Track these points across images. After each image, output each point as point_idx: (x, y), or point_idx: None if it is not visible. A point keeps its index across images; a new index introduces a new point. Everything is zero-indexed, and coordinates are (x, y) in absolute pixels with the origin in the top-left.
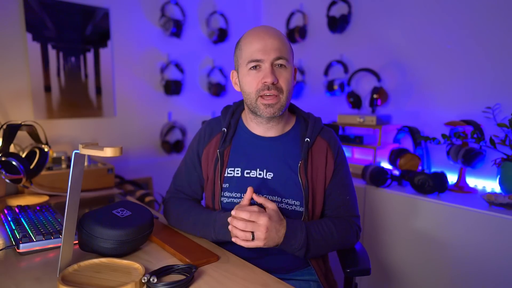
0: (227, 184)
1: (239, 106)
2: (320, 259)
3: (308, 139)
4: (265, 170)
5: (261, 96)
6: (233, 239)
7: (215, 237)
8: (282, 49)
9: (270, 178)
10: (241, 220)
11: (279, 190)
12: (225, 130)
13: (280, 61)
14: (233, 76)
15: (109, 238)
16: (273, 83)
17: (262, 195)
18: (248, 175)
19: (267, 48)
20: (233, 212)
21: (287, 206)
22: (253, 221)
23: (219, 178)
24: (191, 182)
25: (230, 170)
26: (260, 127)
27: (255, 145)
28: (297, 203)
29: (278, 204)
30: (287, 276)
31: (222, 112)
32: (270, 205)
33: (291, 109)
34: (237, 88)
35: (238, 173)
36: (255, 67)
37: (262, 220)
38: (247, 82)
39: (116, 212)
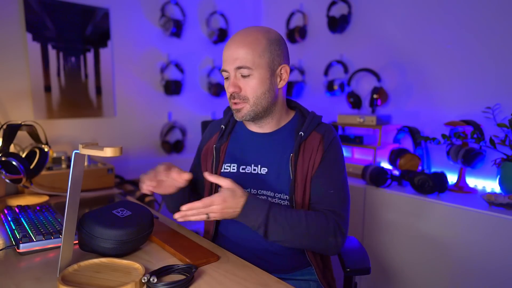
0: None
1: None
2: (318, 258)
3: (302, 133)
4: (259, 166)
5: (232, 102)
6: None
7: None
8: (246, 58)
9: (264, 173)
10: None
11: (272, 185)
12: (223, 127)
13: (241, 71)
14: None
15: (109, 238)
16: (235, 92)
17: (257, 191)
18: (243, 171)
19: (231, 58)
20: (182, 212)
21: (280, 201)
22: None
23: (211, 173)
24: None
25: (226, 166)
26: (251, 125)
27: (251, 141)
28: (286, 196)
29: (272, 199)
30: (287, 276)
31: (224, 111)
32: (224, 183)
33: (291, 105)
34: None
35: (234, 169)
36: (225, 75)
37: (217, 208)
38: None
39: (116, 212)
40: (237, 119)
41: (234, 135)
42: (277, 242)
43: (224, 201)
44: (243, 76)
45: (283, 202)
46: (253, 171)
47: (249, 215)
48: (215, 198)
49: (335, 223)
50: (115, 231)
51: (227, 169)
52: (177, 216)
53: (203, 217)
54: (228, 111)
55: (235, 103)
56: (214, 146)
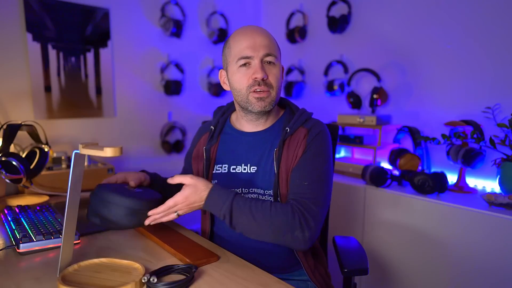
0: (216, 181)
1: (231, 106)
2: (309, 256)
3: (288, 129)
4: (249, 165)
5: (252, 91)
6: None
7: None
8: (271, 46)
9: (253, 171)
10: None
11: (262, 183)
12: (212, 128)
13: (269, 58)
14: (222, 76)
15: (122, 204)
16: (263, 79)
17: (248, 190)
18: (234, 171)
19: (256, 45)
20: (151, 217)
21: (270, 198)
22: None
23: (203, 174)
24: None
25: (218, 167)
26: (249, 124)
27: (241, 141)
28: (269, 192)
29: (262, 197)
30: (284, 276)
31: (214, 112)
32: (185, 180)
33: (281, 104)
34: (226, 87)
35: (225, 170)
36: (245, 64)
37: (181, 206)
38: (237, 79)
39: (129, 188)
40: (260, 109)
41: (223, 136)
42: (244, 233)
43: (186, 199)
44: (267, 64)
45: (266, 197)
46: (243, 171)
47: (214, 205)
48: (178, 198)
49: (302, 216)
50: (128, 198)
51: (219, 170)
52: (146, 222)
53: (172, 216)
54: (218, 111)
55: (261, 91)
56: (204, 147)
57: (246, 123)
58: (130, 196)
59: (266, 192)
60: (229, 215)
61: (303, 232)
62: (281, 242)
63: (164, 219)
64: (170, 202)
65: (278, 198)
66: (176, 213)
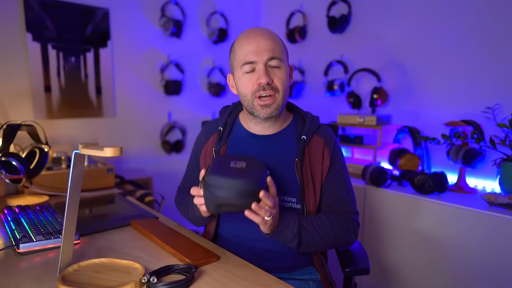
0: None
1: (237, 106)
2: (321, 259)
3: (304, 137)
4: None
5: (257, 97)
6: (251, 216)
7: (197, 212)
8: (275, 49)
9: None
10: (266, 208)
11: (284, 190)
12: (221, 129)
13: (273, 62)
14: (230, 80)
15: (231, 187)
16: (268, 83)
17: None
18: None
19: (260, 49)
20: (262, 194)
21: (284, 203)
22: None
23: None
24: (193, 182)
25: None
26: (258, 126)
27: (251, 143)
28: (294, 199)
29: (287, 204)
30: (287, 276)
31: (220, 112)
32: (273, 191)
33: (289, 107)
34: (234, 91)
35: None
36: (249, 69)
37: (276, 211)
38: (243, 84)
39: (234, 164)
40: (265, 116)
41: (232, 137)
42: (306, 249)
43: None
44: (272, 68)
45: (287, 205)
46: None
47: (284, 229)
48: (276, 204)
49: (353, 221)
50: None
51: None
52: (253, 206)
53: (266, 218)
54: (224, 111)
55: (266, 96)
56: (213, 149)
57: (255, 126)
58: (235, 177)
59: (280, 197)
60: (297, 237)
61: (355, 234)
62: (336, 246)
63: (257, 219)
64: (275, 199)
65: (304, 205)
66: (270, 215)
